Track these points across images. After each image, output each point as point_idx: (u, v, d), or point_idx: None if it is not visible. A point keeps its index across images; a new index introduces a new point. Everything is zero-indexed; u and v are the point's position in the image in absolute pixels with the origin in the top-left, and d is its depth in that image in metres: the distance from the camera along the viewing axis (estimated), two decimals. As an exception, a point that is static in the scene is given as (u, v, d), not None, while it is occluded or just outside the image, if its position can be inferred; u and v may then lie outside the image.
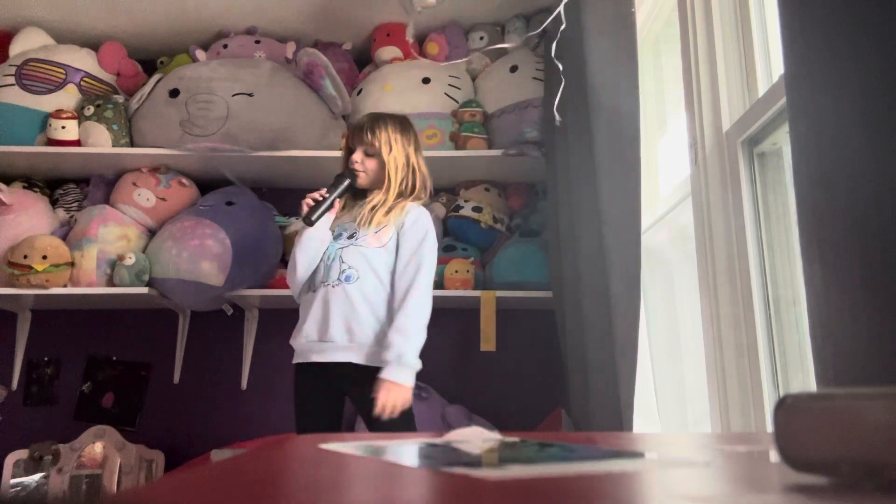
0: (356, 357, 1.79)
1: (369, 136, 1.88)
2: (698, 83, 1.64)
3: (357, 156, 1.90)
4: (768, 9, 1.54)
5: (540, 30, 2.13)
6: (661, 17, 2.22)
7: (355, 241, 1.86)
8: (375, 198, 1.89)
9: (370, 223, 1.86)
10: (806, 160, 0.89)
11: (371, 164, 1.90)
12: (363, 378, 1.76)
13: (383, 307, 1.83)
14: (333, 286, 1.82)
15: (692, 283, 1.69)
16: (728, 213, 1.53)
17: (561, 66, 1.80)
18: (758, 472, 0.46)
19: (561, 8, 1.80)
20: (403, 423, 1.75)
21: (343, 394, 1.88)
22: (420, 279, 1.81)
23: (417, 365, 1.75)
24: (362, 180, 1.90)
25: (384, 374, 1.71)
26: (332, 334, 1.80)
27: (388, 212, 1.86)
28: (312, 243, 1.86)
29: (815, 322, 0.86)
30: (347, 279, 1.82)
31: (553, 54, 1.84)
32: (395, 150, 1.88)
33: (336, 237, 1.90)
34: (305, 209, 1.85)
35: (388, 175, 1.88)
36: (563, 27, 1.83)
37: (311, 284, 1.89)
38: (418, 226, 1.88)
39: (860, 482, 0.32)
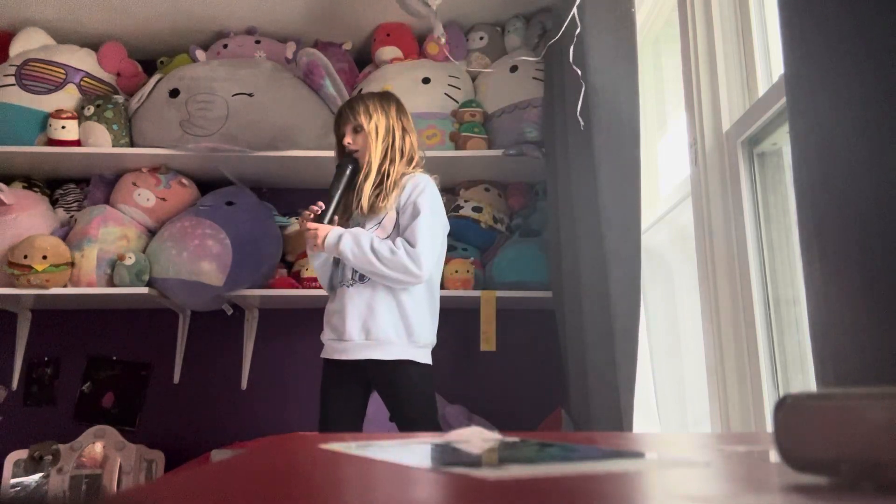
0: (377, 354, 1.78)
1: (350, 113, 1.89)
2: (698, 83, 1.63)
3: (347, 137, 1.90)
4: (768, 9, 1.54)
5: (558, 36, 2.07)
6: (661, 17, 2.22)
7: None
8: (364, 178, 1.85)
9: (371, 213, 1.84)
10: (806, 160, 0.89)
11: (362, 139, 1.88)
12: (387, 373, 1.78)
13: (401, 299, 1.80)
14: (348, 286, 1.83)
15: (692, 283, 1.69)
16: (728, 213, 1.53)
17: (580, 72, 1.78)
18: (758, 472, 0.46)
19: (574, 10, 1.78)
20: (428, 420, 1.76)
21: (369, 387, 1.87)
22: (417, 225, 1.77)
23: (340, 249, 1.76)
24: (362, 158, 1.88)
25: (336, 229, 1.79)
26: (349, 334, 1.80)
27: (384, 196, 1.82)
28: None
29: (815, 322, 0.86)
30: (361, 278, 1.82)
31: (571, 60, 1.82)
32: (374, 118, 1.88)
33: None
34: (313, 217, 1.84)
35: (369, 143, 1.86)
36: (578, 30, 1.80)
37: (332, 284, 1.91)
38: (416, 188, 1.84)
39: (860, 482, 0.32)
